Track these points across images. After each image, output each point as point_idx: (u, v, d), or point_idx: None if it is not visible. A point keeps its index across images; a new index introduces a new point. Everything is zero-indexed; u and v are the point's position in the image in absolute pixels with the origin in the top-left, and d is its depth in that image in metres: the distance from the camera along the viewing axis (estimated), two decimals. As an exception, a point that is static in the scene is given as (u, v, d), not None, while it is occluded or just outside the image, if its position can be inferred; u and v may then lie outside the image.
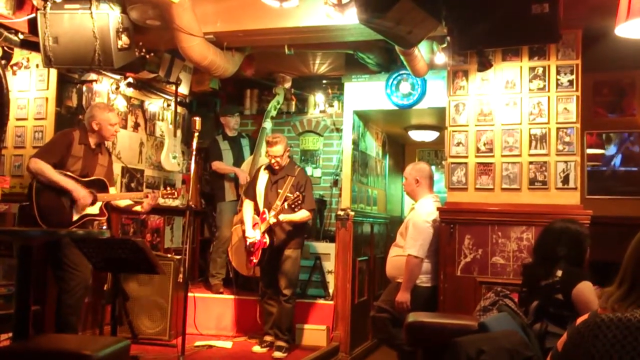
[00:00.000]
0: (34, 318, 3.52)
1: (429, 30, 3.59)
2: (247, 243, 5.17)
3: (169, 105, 6.43)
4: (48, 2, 4.18)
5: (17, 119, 5.09)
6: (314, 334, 5.50)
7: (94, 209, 4.46)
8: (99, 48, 4.23)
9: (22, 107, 5.12)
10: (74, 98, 5.26)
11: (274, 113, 6.63)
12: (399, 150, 8.09)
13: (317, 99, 7.03)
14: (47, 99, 5.08)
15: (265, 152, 5.34)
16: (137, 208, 4.80)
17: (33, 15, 4.33)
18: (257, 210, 5.20)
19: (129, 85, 5.72)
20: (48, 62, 4.33)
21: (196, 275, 6.76)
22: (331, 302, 5.64)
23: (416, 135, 6.94)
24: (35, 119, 5.09)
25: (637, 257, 1.75)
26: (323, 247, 6.00)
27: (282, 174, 5.13)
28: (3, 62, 4.77)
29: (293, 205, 4.90)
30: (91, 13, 4.18)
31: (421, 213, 4.51)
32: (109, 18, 4.20)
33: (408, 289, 4.34)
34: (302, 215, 5.00)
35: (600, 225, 4.02)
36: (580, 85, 4.29)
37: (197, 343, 5.30)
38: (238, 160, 6.29)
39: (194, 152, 4.70)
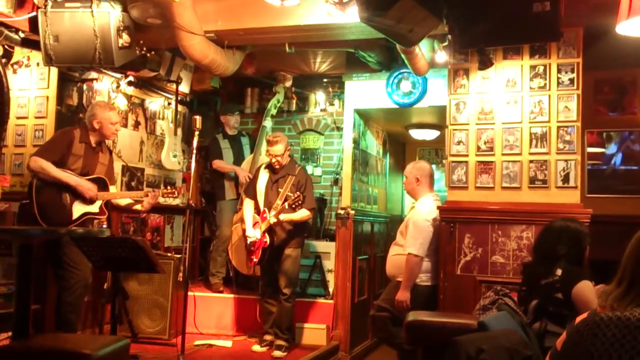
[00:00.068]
0: (34, 317, 3.53)
1: (430, 29, 3.59)
2: (248, 242, 5.17)
3: (169, 103, 6.43)
4: (49, 1, 4.18)
5: (18, 118, 5.09)
6: (314, 333, 5.50)
7: (94, 208, 4.46)
8: (100, 46, 4.23)
9: (23, 106, 5.12)
10: (74, 96, 5.26)
11: (274, 112, 6.63)
12: (400, 149, 8.09)
13: (318, 97, 7.03)
14: (47, 97, 5.08)
15: (266, 151, 5.34)
16: (137, 207, 4.79)
17: (34, 13, 4.33)
18: (257, 209, 5.20)
19: (129, 83, 5.72)
20: (49, 61, 4.33)
21: (196, 274, 6.77)
22: (331, 301, 5.63)
23: (417, 134, 6.94)
24: (36, 117, 5.09)
25: (637, 255, 1.75)
26: (323, 246, 6.00)
27: (282, 173, 5.13)
28: (4, 60, 4.76)
29: (294, 205, 4.90)
30: (92, 11, 4.18)
31: (421, 212, 4.50)
32: (110, 16, 4.20)
33: (408, 287, 4.34)
34: (302, 214, 5.00)
35: (601, 224, 4.01)
36: (581, 83, 4.28)
37: (197, 342, 5.30)
38: (238, 159, 6.29)
39: (195, 151, 4.70)
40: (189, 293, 4.72)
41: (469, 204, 4.43)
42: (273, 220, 4.95)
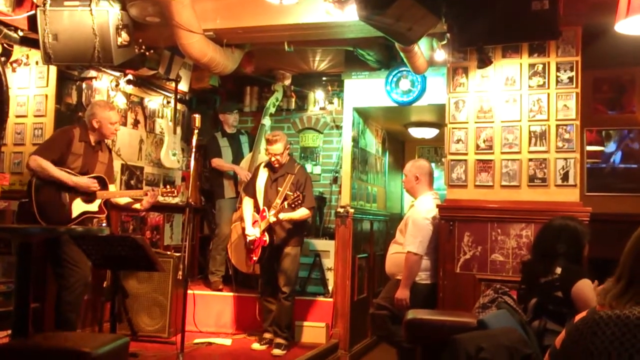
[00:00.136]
0: (34, 315, 3.52)
1: (429, 27, 3.59)
2: (247, 240, 5.17)
3: (168, 102, 6.43)
4: (47, -1, 4.18)
5: (17, 116, 5.09)
6: (314, 331, 5.50)
7: (94, 207, 4.46)
8: (99, 45, 4.23)
9: (22, 104, 5.12)
10: (73, 95, 5.25)
11: (272, 110, 6.63)
12: (399, 147, 8.09)
13: (317, 96, 7.02)
14: (46, 96, 5.07)
15: (265, 150, 5.33)
16: (137, 206, 4.79)
17: (33, 12, 4.32)
18: (256, 208, 5.20)
19: (128, 82, 5.72)
20: (48, 59, 4.33)
21: (196, 273, 6.76)
22: (330, 300, 5.64)
23: (416, 132, 6.94)
24: (35, 116, 5.09)
25: (636, 253, 1.75)
26: (323, 245, 6.00)
27: (282, 171, 5.13)
28: (3, 59, 4.75)
29: (293, 205, 4.90)
30: (91, 10, 4.18)
31: (421, 210, 4.51)
32: (109, 15, 4.20)
33: (407, 286, 4.34)
34: (302, 213, 5.00)
35: (600, 223, 4.01)
36: (580, 82, 4.28)
37: (197, 340, 5.30)
38: (237, 158, 6.28)
39: (194, 149, 4.69)
40: (189, 291, 4.71)
41: (468, 202, 4.43)
42: (273, 219, 4.95)
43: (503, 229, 4.29)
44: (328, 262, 5.87)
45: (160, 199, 5.05)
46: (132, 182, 5.90)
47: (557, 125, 4.28)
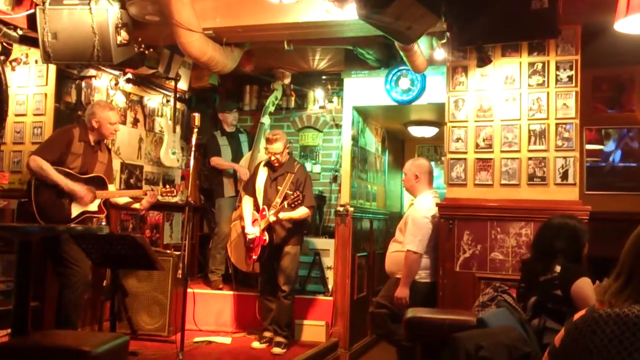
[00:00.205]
0: (33, 314, 3.52)
1: (429, 26, 3.59)
2: (247, 239, 5.17)
3: (168, 101, 6.42)
4: (47, -2, 4.18)
5: (16, 115, 5.08)
6: (313, 329, 5.50)
7: (93, 207, 4.46)
8: (98, 44, 4.23)
9: (21, 103, 5.11)
10: (73, 94, 5.25)
11: (272, 109, 6.63)
12: (399, 146, 8.09)
13: (317, 94, 7.03)
14: (46, 94, 5.07)
15: (265, 149, 5.33)
16: (136, 206, 4.79)
17: (32, 11, 4.32)
18: (256, 206, 5.20)
19: (128, 81, 5.71)
20: (47, 58, 4.33)
21: (195, 271, 6.77)
22: (330, 298, 5.64)
23: (415, 131, 6.94)
24: (34, 114, 5.08)
25: (635, 251, 1.76)
26: (322, 243, 6.00)
27: (281, 170, 5.13)
28: (2, 57, 4.76)
29: (293, 204, 4.90)
30: (90, 9, 4.18)
31: (420, 209, 4.51)
32: (108, 14, 4.20)
33: (407, 284, 4.34)
34: (301, 212, 5.00)
35: (599, 221, 4.02)
36: (580, 80, 4.28)
37: (196, 339, 5.30)
38: (236, 156, 6.29)
39: (193, 148, 4.69)
40: (188, 290, 4.72)
41: (467, 201, 4.43)
42: (272, 218, 4.95)
43: (502, 227, 4.29)
44: (328, 260, 5.87)
45: (160, 198, 5.05)
46: (132, 180, 5.90)
47: (557, 124, 4.28)
